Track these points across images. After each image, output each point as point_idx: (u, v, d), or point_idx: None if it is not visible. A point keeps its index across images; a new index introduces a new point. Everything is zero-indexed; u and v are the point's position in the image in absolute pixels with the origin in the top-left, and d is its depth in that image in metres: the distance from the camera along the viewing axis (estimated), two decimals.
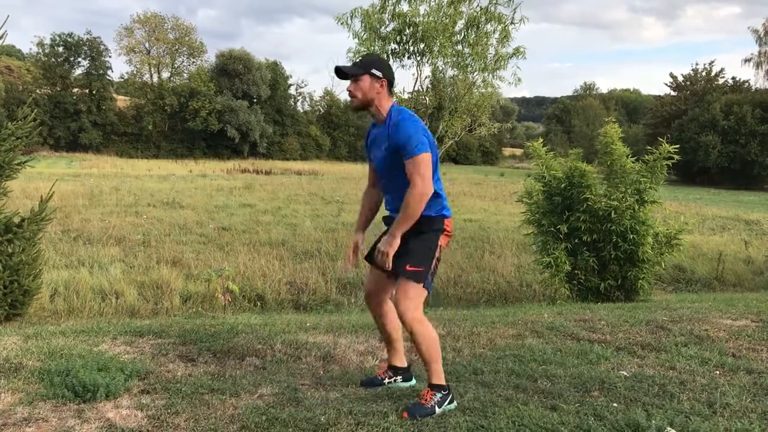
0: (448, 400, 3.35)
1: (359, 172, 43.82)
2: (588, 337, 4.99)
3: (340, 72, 3.39)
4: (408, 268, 3.34)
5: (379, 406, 3.35)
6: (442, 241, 3.48)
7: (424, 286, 3.35)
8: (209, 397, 3.45)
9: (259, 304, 9.04)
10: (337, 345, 4.61)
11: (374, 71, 3.36)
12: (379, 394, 3.59)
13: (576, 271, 8.62)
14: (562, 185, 8.80)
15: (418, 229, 3.34)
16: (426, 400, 3.30)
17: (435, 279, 3.52)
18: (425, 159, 3.23)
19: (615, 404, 3.46)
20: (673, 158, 8.78)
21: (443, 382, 3.37)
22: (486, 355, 4.45)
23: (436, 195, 3.39)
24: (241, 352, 4.33)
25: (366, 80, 3.36)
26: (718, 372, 4.09)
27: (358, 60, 3.46)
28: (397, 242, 3.29)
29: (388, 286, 3.61)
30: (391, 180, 3.46)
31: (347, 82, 3.40)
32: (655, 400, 3.53)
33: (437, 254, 3.45)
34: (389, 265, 3.30)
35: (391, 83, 3.44)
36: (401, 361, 3.83)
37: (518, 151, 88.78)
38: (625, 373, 4.02)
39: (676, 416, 3.29)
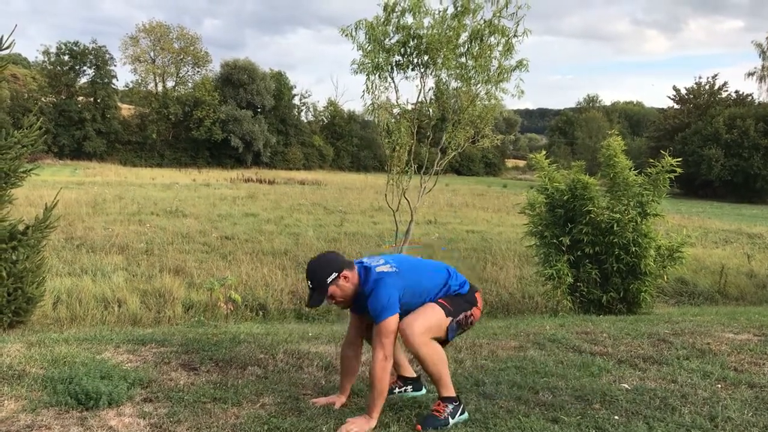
0: (459, 411, 3.37)
1: (362, 181, 43.88)
2: (590, 349, 4.99)
3: (313, 305, 3.42)
4: (440, 300, 3.41)
5: (381, 417, 3.36)
6: (475, 312, 3.54)
7: (445, 328, 3.37)
8: (211, 406, 3.46)
9: (261, 313, 9.05)
10: (339, 355, 4.61)
11: (329, 279, 3.35)
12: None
13: (578, 284, 8.62)
14: (565, 197, 8.82)
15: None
16: (439, 412, 3.32)
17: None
18: (388, 325, 3.26)
19: (616, 417, 3.46)
20: (675, 171, 8.80)
21: (453, 394, 3.39)
22: (488, 366, 4.45)
23: (448, 283, 3.49)
24: (243, 361, 4.34)
25: (334, 290, 3.38)
26: (720, 386, 4.08)
27: (308, 283, 3.41)
28: (373, 424, 3.26)
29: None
30: None
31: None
32: (656, 413, 3.53)
33: (468, 315, 3.49)
34: None
35: (345, 267, 3.40)
36: (410, 372, 3.85)
37: (521, 163, 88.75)
38: (626, 386, 4.02)
39: (678, 430, 3.29)
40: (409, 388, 3.81)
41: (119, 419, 3.25)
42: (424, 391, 3.84)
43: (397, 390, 3.78)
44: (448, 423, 3.29)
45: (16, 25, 6.58)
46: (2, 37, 6.30)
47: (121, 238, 13.62)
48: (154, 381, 3.84)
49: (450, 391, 3.38)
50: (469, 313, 3.49)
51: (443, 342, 3.42)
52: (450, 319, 3.39)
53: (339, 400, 3.59)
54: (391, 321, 3.26)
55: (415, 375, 3.86)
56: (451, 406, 3.34)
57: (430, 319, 3.33)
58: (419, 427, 3.25)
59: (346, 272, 3.38)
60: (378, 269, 3.41)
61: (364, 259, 3.55)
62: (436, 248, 14.84)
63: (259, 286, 10.05)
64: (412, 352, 3.34)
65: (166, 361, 4.28)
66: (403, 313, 3.35)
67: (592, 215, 8.50)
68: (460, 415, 3.37)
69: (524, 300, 10.45)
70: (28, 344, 4.61)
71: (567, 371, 4.33)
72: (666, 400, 3.73)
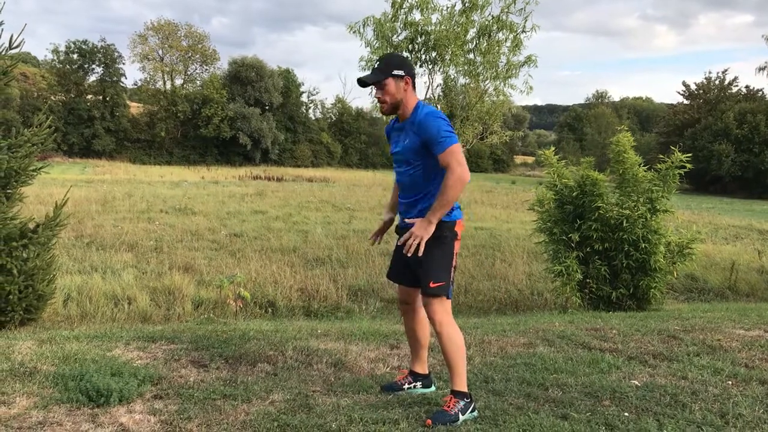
0: (470, 409, 3.37)
1: (370, 179, 43.87)
2: (599, 346, 4.98)
3: (363, 82, 3.41)
4: (432, 284, 3.39)
5: (390, 414, 3.37)
6: (456, 246, 3.51)
7: (447, 297, 3.42)
8: (221, 403, 3.47)
9: (270, 310, 9.06)
10: (348, 352, 4.63)
11: (395, 72, 3.37)
12: (390, 401, 3.60)
13: (587, 280, 8.59)
14: (574, 194, 8.79)
15: (435, 234, 3.32)
16: (449, 407, 3.32)
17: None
18: (458, 148, 3.27)
19: (626, 414, 3.45)
20: (685, 167, 8.75)
21: (466, 389, 3.40)
22: (497, 363, 4.45)
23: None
24: (253, 358, 4.35)
25: (391, 83, 3.38)
26: (730, 382, 4.06)
27: (377, 64, 3.42)
28: (432, 228, 3.27)
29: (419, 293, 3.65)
30: (406, 176, 3.48)
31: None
32: (666, 410, 3.52)
33: (454, 263, 3.48)
34: (421, 251, 3.25)
35: (413, 77, 3.47)
36: (423, 368, 3.85)
37: (530, 159, 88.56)
38: (636, 383, 4.01)
39: (688, 426, 3.28)
40: (419, 384, 3.81)
41: (130, 416, 3.27)
42: (433, 388, 3.84)
43: (407, 386, 3.79)
44: (458, 419, 3.29)
45: (25, 25, 6.60)
46: (12, 36, 6.33)
47: (130, 236, 13.67)
48: (165, 378, 3.86)
49: (463, 386, 3.39)
50: (454, 260, 3.48)
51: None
52: (446, 293, 3.42)
53: (386, 215, 3.90)
54: (459, 145, 3.28)
55: (426, 372, 3.87)
56: (462, 403, 3.34)
57: (441, 309, 3.39)
58: (429, 421, 3.25)
59: (410, 81, 3.41)
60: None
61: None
62: None
63: (268, 283, 10.07)
64: (435, 330, 3.38)
65: (176, 358, 4.30)
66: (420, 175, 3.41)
67: (602, 211, 8.47)
68: (471, 412, 3.37)
69: (533, 297, 10.43)
70: (40, 341, 4.64)
71: (576, 368, 4.32)
72: (676, 397, 3.72)
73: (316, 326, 5.89)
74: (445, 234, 3.39)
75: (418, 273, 3.43)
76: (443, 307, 3.39)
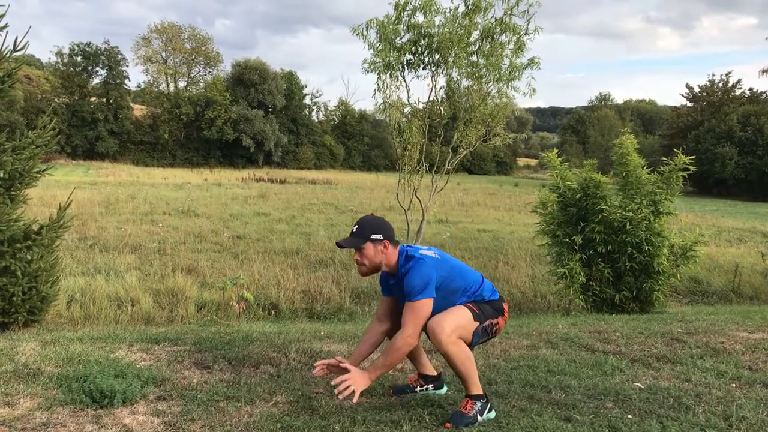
0: (487, 409, 3.38)
1: (373, 181, 43.90)
2: (603, 348, 4.97)
3: (341, 246, 3.46)
4: (469, 304, 3.43)
5: (393, 415, 3.37)
6: (500, 322, 3.56)
7: (472, 332, 3.39)
8: (224, 405, 3.47)
9: (273, 312, 9.07)
10: (352, 354, 4.62)
11: (374, 236, 3.42)
12: (393, 402, 3.60)
13: (591, 283, 8.59)
14: (577, 196, 8.79)
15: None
16: (467, 409, 3.33)
17: None
18: (420, 308, 3.30)
19: (630, 416, 3.44)
20: (689, 169, 8.74)
21: (481, 392, 3.40)
22: (500, 365, 4.45)
23: (470, 288, 3.50)
24: (256, 360, 4.36)
25: (369, 248, 3.43)
26: (734, 385, 4.06)
27: (355, 228, 3.48)
28: (367, 384, 3.30)
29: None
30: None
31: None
32: (670, 412, 3.51)
33: (494, 323, 3.51)
34: (355, 399, 3.24)
35: (391, 240, 3.47)
36: (430, 370, 3.85)
37: (533, 162, 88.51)
38: (640, 385, 4.00)
39: (692, 429, 3.28)
40: (431, 386, 3.81)
41: (133, 417, 3.28)
42: (445, 389, 3.84)
43: (419, 389, 3.79)
44: (477, 420, 3.30)
45: (30, 27, 6.62)
46: (16, 38, 6.35)
47: (133, 238, 13.69)
48: (168, 379, 3.87)
49: (478, 389, 3.39)
50: (495, 321, 3.51)
51: (469, 345, 3.43)
52: (477, 323, 3.41)
53: (345, 362, 3.47)
54: (426, 303, 3.31)
55: (436, 373, 3.87)
56: (479, 404, 3.35)
57: (459, 319, 3.35)
58: (448, 425, 3.26)
59: (387, 243, 3.45)
60: (422, 252, 3.47)
61: (408, 246, 3.58)
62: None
63: (271, 285, 10.07)
64: (440, 351, 3.34)
65: (179, 360, 4.30)
66: (433, 310, 3.37)
67: (605, 214, 8.46)
68: (488, 413, 3.38)
69: (536, 299, 10.42)
70: (43, 343, 4.65)
71: (580, 370, 4.31)
72: (680, 400, 3.71)
73: (319, 328, 5.90)
74: (492, 306, 3.53)
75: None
76: (455, 324, 3.33)
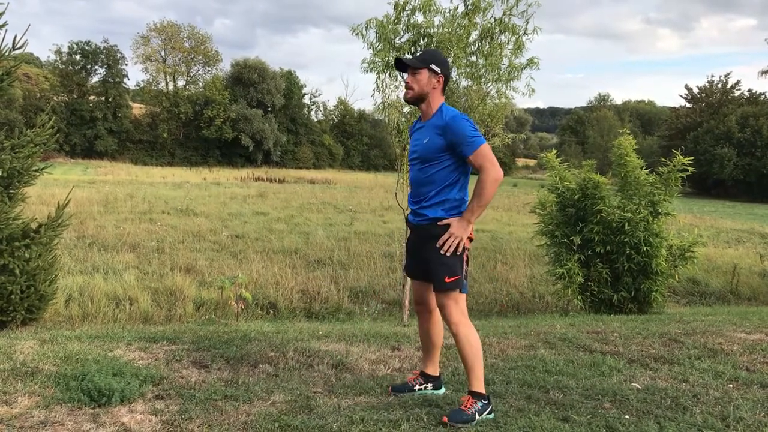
0: (487, 410, 3.38)
1: (372, 181, 43.89)
2: (600, 348, 4.97)
3: (401, 63, 3.48)
4: (447, 280, 3.41)
5: (391, 415, 3.37)
6: (467, 244, 3.52)
7: (461, 291, 3.43)
8: (222, 404, 3.47)
9: (271, 311, 9.07)
10: (350, 353, 4.63)
11: (433, 66, 3.44)
12: (391, 402, 3.60)
13: (589, 283, 8.60)
14: (576, 196, 8.80)
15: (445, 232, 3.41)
16: (467, 406, 3.33)
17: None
18: (488, 148, 3.33)
19: (627, 416, 3.45)
20: (687, 170, 8.75)
21: (483, 391, 3.41)
22: (498, 365, 4.45)
23: (462, 200, 3.47)
24: (254, 359, 4.36)
25: (424, 74, 3.44)
26: (731, 386, 4.06)
27: (420, 53, 3.51)
28: (470, 228, 3.36)
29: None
30: (420, 174, 3.51)
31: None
32: (667, 412, 3.51)
33: (466, 257, 3.49)
34: (459, 250, 3.33)
35: (446, 80, 3.51)
36: (434, 370, 3.85)
37: (532, 162, 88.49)
38: (637, 386, 4.00)
39: (689, 429, 3.28)
40: (429, 386, 3.82)
41: (131, 416, 3.28)
42: (443, 390, 3.84)
43: (417, 387, 3.79)
44: (474, 419, 3.29)
45: (29, 25, 6.62)
46: (16, 36, 6.35)
47: (132, 237, 13.69)
48: (166, 378, 3.87)
49: (480, 387, 3.40)
50: (466, 255, 3.49)
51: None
52: (459, 287, 3.42)
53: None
54: (487, 146, 3.32)
55: (437, 374, 3.87)
56: (479, 403, 3.35)
57: (454, 304, 3.40)
58: (445, 419, 3.26)
59: (442, 80, 3.47)
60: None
61: None
62: None
63: (270, 284, 10.08)
64: (451, 331, 3.39)
65: (177, 359, 4.30)
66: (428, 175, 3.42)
67: (603, 214, 8.47)
68: (487, 414, 3.38)
69: (535, 299, 10.43)
70: (41, 341, 4.65)
71: (577, 370, 4.32)
72: (677, 400, 3.72)
73: (317, 328, 5.90)
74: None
75: (432, 269, 3.43)
76: (459, 307, 3.40)
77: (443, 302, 3.42)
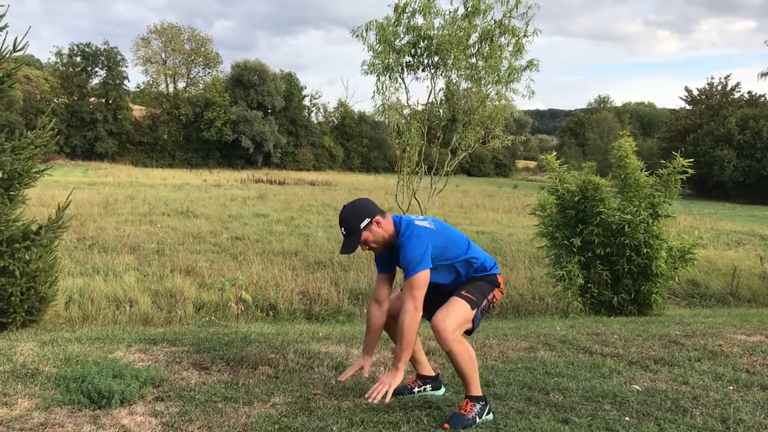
0: (486, 411, 3.40)
1: (372, 182, 43.90)
2: (600, 350, 4.97)
3: (348, 251, 3.42)
4: (463, 292, 3.44)
5: (391, 417, 3.37)
6: (497, 294, 3.59)
7: (472, 319, 3.43)
8: (222, 405, 3.48)
9: (271, 313, 9.07)
10: (350, 355, 4.63)
11: (362, 224, 3.38)
12: (391, 404, 3.60)
13: (589, 285, 8.60)
14: (576, 198, 8.80)
15: (475, 278, 3.50)
16: (466, 411, 3.34)
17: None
18: (418, 280, 3.29)
19: (627, 418, 3.45)
20: (687, 172, 8.75)
21: (481, 393, 3.42)
22: (498, 367, 4.45)
23: (478, 257, 3.54)
24: (254, 361, 4.36)
25: (367, 235, 3.41)
26: (731, 387, 4.06)
27: (342, 230, 3.45)
28: (401, 375, 3.33)
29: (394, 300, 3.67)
30: (435, 277, 3.50)
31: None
32: (667, 414, 3.51)
33: (491, 299, 3.55)
34: (388, 398, 3.28)
35: (378, 212, 3.42)
36: (428, 371, 3.86)
37: (532, 164, 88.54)
38: (637, 388, 4.00)
39: (689, 431, 3.28)
40: (428, 387, 3.82)
41: (131, 418, 3.28)
42: (443, 390, 3.85)
43: (416, 389, 3.79)
44: (475, 422, 3.31)
45: (29, 27, 6.62)
46: (16, 38, 6.36)
47: (132, 239, 13.68)
48: (166, 380, 3.87)
49: (478, 391, 3.41)
50: (491, 296, 3.54)
51: (470, 331, 3.48)
52: (475, 310, 3.43)
53: (366, 361, 3.62)
54: (424, 275, 3.31)
55: (434, 373, 3.87)
56: (478, 406, 3.36)
57: (460, 315, 3.36)
58: (446, 425, 3.27)
59: (378, 218, 3.41)
60: (417, 222, 3.46)
61: (403, 216, 3.58)
62: None
63: (270, 286, 10.07)
64: (445, 349, 3.36)
65: (177, 361, 4.30)
66: (435, 278, 3.43)
67: (603, 216, 8.47)
68: (487, 415, 3.39)
69: (535, 301, 10.42)
70: (41, 343, 4.65)
71: (577, 372, 4.32)
72: (677, 402, 3.72)
73: (317, 329, 5.89)
74: (487, 280, 3.55)
75: (454, 289, 3.50)
76: (457, 322, 3.35)
77: (445, 313, 3.38)
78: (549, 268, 9.22)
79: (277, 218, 19.53)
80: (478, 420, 3.32)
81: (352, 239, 3.40)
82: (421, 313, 3.32)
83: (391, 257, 3.53)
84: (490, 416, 3.41)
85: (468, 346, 3.39)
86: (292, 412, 3.43)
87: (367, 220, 3.38)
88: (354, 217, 3.40)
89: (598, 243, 8.49)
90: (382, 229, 3.42)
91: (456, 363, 3.36)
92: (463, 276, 3.54)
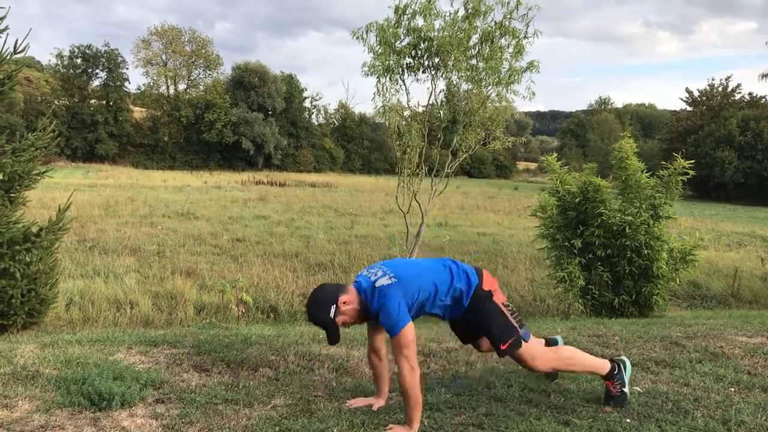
0: (624, 370, 3.73)
1: (373, 184, 43.91)
2: (601, 352, 4.96)
3: (334, 340, 3.43)
4: (503, 347, 3.49)
5: (392, 419, 3.37)
6: (496, 297, 3.59)
7: (524, 341, 3.52)
8: (223, 408, 3.47)
9: (272, 315, 9.07)
10: (350, 357, 4.62)
11: (331, 314, 3.36)
12: (391, 406, 3.60)
13: (590, 286, 8.59)
14: (577, 200, 8.79)
15: (476, 308, 3.53)
16: (613, 390, 3.67)
17: None
18: (404, 338, 3.27)
19: (628, 420, 3.44)
20: (688, 173, 8.74)
21: (608, 366, 3.70)
22: (499, 369, 4.44)
23: (452, 290, 3.53)
24: (255, 362, 4.35)
25: (339, 319, 3.40)
26: (733, 389, 4.05)
27: (313, 321, 3.47)
28: (416, 426, 3.27)
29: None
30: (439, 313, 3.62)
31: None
32: (668, 416, 3.51)
33: (502, 309, 3.56)
34: None
35: (339, 293, 3.40)
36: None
37: (532, 165, 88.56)
38: (638, 389, 4.00)
39: None
40: None
41: (132, 420, 3.28)
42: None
43: None
44: (626, 396, 3.64)
45: (30, 29, 6.61)
46: (17, 40, 6.36)
47: (133, 240, 13.69)
48: (166, 382, 3.87)
49: (605, 368, 3.65)
50: (500, 307, 3.56)
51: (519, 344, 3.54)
52: (516, 336, 3.51)
53: (377, 402, 3.62)
54: (406, 331, 3.28)
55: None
56: (616, 379, 3.62)
57: (524, 354, 3.52)
58: (607, 409, 3.55)
59: (342, 298, 3.38)
60: (378, 284, 3.40)
61: (361, 277, 3.53)
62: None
63: (270, 288, 10.07)
64: (540, 372, 3.72)
65: (178, 363, 4.30)
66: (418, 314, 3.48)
67: (604, 218, 8.46)
68: (625, 371, 3.69)
69: (536, 303, 10.42)
70: (42, 345, 4.64)
71: (578, 374, 4.31)
72: (678, 404, 3.71)
73: (318, 331, 5.88)
74: (479, 302, 3.53)
75: (486, 335, 3.60)
76: (537, 359, 3.54)
77: (523, 364, 3.60)
78: (550, 269, 9.22)
79: (277, 220, 19.54)
80: (626, 390, 3.63)
81: (331, 330, 3.39)
82: (418, 371, 3.26)
83: (370, 316, 3.50)
84: (628, 365, 3.73)
85: (553, 355, 3.61)
86: (293, 414, 3.43)
87: (333, 308, 3.36)
88: (320, 311, 3.38)
89: (598, 244, 8.48)
90: (350, 305, 3.40)
91: (570, 372, 3.62)
92: (464, 304, 3.53)
